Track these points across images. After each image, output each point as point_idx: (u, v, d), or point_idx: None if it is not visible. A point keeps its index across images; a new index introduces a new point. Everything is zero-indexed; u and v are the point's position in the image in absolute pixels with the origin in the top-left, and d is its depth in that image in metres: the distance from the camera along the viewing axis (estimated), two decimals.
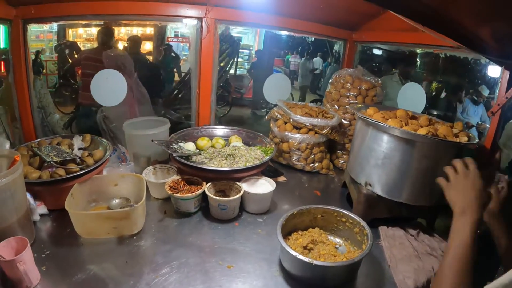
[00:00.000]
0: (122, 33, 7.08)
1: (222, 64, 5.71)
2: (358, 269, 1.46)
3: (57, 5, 2.21)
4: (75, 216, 1.52)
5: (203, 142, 2.23)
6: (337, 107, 2.56)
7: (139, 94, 3.33)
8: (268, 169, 2.30)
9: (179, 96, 4.48)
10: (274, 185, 1.90)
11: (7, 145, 1.75)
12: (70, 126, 4.21)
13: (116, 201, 1.78)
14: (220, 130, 2.50)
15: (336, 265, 1.37)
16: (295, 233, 1.64)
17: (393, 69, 4.66)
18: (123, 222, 1.53)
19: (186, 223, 1.74)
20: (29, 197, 1.57)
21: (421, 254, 1.64)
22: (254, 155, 2.07)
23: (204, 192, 1.78)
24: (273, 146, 2.24)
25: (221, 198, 1.71)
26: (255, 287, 1.38)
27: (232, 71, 7.72)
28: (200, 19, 2.44)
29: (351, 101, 2.49)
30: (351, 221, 1.63)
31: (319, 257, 1.48)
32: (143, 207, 1.61)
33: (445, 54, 3.01)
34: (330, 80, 2.68)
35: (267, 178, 1.96)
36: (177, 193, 1.74)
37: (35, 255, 1.34)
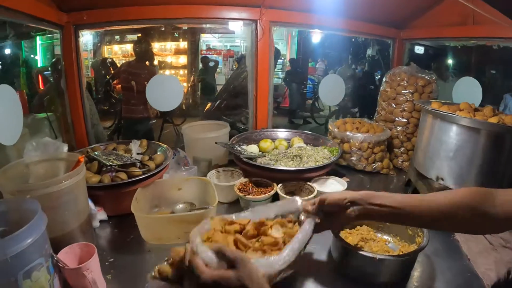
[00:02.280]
0: (156, 49, 7.21)
1: None
2: (414, 263, 1.40)
3: (109, 10, 2.19)
4: (143, 220, 1.45)
5: (266, 144, 2.17)
6: (394, 105, 2.50)
7: None
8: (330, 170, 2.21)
9: (222, 105, 4.48)
10: (345, 184, 1.84)
11: (65, 148, 1.69)
12: (114, 136, 4.24)
13: (180, 206, 1.69)
14: (280, 133, 2.45)
15: (399, 259, 1.31)
16: (343, 231, 1.58)
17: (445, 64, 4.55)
18: (195, 225, 1.43)
19: None
20: (89, 202, 1.50)
21: (496, 247, 1.60)
22: (322, 155, 2.00)
23: (274, 194, 1.69)
24: (337, 146, 2.16)
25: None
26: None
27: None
28: (254, 21, 2.40)
29: (408, 98, 2.42)
30: None
31: None
32: (215, 209, 1.52)
33: (498, 45, 2.90)
34: (385, 79, 2.62)
35: (337, 178, 1.90)
36: (248, 195, 1.67)
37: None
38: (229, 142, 2.15)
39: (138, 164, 1.74)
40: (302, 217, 1.21)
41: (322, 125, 7.47)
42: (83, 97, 2.28)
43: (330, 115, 6.71)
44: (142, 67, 3.79)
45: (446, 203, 1.08)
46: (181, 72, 7.35)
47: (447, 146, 1.72)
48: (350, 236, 1.54)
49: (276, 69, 10.22)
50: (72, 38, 2.17)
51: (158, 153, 1.88)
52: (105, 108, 4.99)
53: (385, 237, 1.59)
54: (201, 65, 6.93)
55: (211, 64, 6.76)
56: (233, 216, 1.28)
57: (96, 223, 1.57)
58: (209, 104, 4.92)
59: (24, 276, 0.95)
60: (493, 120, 1.68)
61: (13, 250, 0.90)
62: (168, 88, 2.35)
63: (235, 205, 1.80)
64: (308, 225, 1.18)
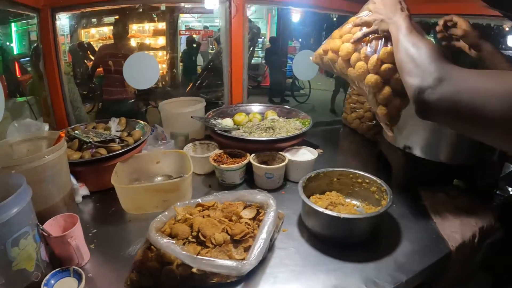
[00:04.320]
0: (134, 30, 7.15)
1: None
2: (381, 223, 1.49)
3: None
4: (122, 191, 1.52)
5: (241, 117, 2.23)
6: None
7: None
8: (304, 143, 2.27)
9: (203, 84, 4.51)
10: (316, 153, 1.89)
11: (46, 128, 1.75)
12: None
13: (159, 179, 1.77)
14: (254, 107, 2.50)
15: (364, 216, 1.38)
16: (312, 196, 1.64)
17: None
18: (172, 194, 1.51)
19: None
20: (71, 178, 1.56)
21: (463, 211, 1.65)
22: (294, 126, 2.06)
23: (247, 164, 1.77)
24: (309, 118, 2.22)
25: (268, 167, 1.71)
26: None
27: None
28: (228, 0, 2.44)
29: None
30: (367, 181, 1.64)
31: None
32: (191, 178, 1.60)
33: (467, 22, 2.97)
34: None
35: (308, 148, 1.96)
36: (222, 165, 1.74)
37: None
38: (207, 115, 2.21)
39: (117, 140, 1.79)
40: None
41: (302, 103, 7.54)
42: (62, 79, 2.30)
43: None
44: (122, 48, 3.80)
45: None
46: (160, 53, 7.32)
47: (414, 116, 1.72)
48: (320, 201, 1.60)
49: (256, 48, 10.26)
50: (49, 21, 2.17)
51: (137, 129, 1.93)
52: (85, 92, 4.98)
53: (354, 201, 1.67)
54: (184, 46, 6.90)
55: (195, 45, 6.75)
56: (199, 200, 1.40)
57: (78, 198, 1.62)
58: (191, 84, 4.94)
59: (12, 244, 1.00)
60: None
61: (1, 219, 0.95)
62: (145, 66, 2.38)
63: (211, 176, 1.87)
64: (272, 213, 1.29)
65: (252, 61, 8.96)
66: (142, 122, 1.99)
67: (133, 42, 6.86)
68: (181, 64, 6.82)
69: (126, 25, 4.00)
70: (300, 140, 2.00)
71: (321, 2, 2.83)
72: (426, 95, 0.91)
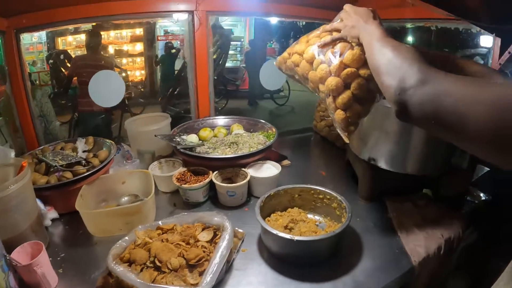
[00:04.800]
0: (112, 37, 7.12)
1: (214, 57, 5.71)
2: (341, 241, 1.48)
3: (47, 12, 2.20)
4: (86, 216, 1.54)
5: (205, 132, 2.26)
6: None
7: None
8: (272, 154, 2.29)
9: (175, 93, 4.52)
10: (279, 168, 1.92)
11: (12, 154, 1.76)
12: (73, 132, 4.23)
13: (125, 199, 1.80)
14: (220, 120, 2.52)
15: (317, 238, 1.38)
16: (274, 214, 1.67)
17: None
18: (134, 216, 1.54)
19: None
20: (39, 202, 1.58)
21: (429, 222, 1.66)
22: (257, 140, 2.09)
23: (211, 181, 1.80)
24: (274, 130, 2.25)
25: (229, 185, 1.74)
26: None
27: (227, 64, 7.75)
28: (191, 12, 2.45)
29: None
30: (328, 197, 1.65)
31: (300, 235, 1.49)
32: (153, 200, 1.64)
33: (436, 26, 3.04)
34: None
35: (272, 162, 1.98)
36: (185, 184, 1.76)
37: (51, 259, 1.35)
38: (171, 132, 2.22)
39: (83, 162, 1.82)
40: None
41: (282, 106, 7.56)
42: (29, 99, 2.31)
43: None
44: (97, 58, 3.81)
45: None
46: (138, 59, 7.27)
47: (377, 126, 1.73)
48: (281, 218, 1.61)
49: (234, 52, 10.24)
50: (13, 43, 2.19)
51: (104, 149, 1.95)
52: (63, 102, 4.96)
53: (317, 217, 1.70)
54: (163, 52, 6.87)
55: (173, 50, 6.71)
56: (160, 222, 1.43)
57: (47, 222, 1.64)
58: (160, 99, 4.94)
59: None
60: None
61: None
62: (110, 84, 2.40)
63: (177, 194, 1.89)
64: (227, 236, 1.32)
65: (231, 65, 8.96)
66: (109, 141, 2.01)
67: (110, 49, 6.83)
68: (157, 70, 6.78)
69: (99, 35, 3.98)
70: (264, 155, 2.01)
71: (284, 10, 2.86)
72: (408, 96, 0.86)
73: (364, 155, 1.84)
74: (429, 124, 0.84)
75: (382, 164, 1.75)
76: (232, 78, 8.38)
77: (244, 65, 8.84)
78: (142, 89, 6.62)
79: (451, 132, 0.80)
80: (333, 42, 1.36)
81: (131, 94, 5.60)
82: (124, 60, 7.35)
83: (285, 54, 1.61)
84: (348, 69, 1.30)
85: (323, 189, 1.66)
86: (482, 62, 5.04)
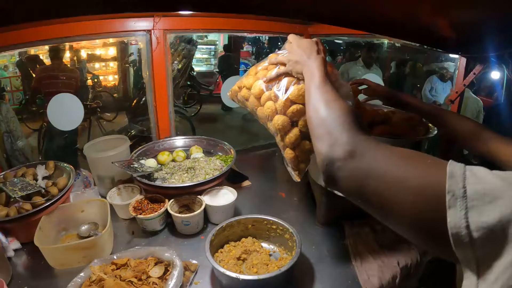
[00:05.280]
0: (84, 42, 7.08)
1: (179, 67, 5.68)
2: (291, 274, 1.49)
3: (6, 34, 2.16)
4: (45, 251, 1.57)
5: (164, 157, 2.27)
6: None
7: None
8: (232, 175, 2.34)
9: (141, 103, 4.53)
10: (236, 194, 1.94)
11: None
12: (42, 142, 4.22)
13: (84, 227, 1.82)
14: (180, 141, 2.54)
15: (261, 278, 1.36)
16: (227, 244, 1.68)
17: (357, 55, 4.83)
18: (91, 250, 1.58)
19: (153, 242, 1.79)
20: (0, 235, 1.62)
21: (386, 249, 1.69)
22: (213, 166, 2.11)
23: (166, 211, 1.84)
24: (233, 152, 2.29)
25: (183, 215, 1.78)
26: None
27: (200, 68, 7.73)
28: (148, 31, 2.45)
29: None
30: (281, 227, 1.67)
31: (252, 267, 1.53)
32: (109, 232, 1.68)
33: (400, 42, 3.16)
34: None
35: (229, 188, 2.00)
36: (141, 213, 1.80)
37: None
38: (130, 157, 2.23)
39: (43, 191, 1.83)
40: None
41: None
42: None
43: None
44: (60, 69, 3.81)
45: None
46: (111, 64, 7.19)
47: None
48: (234, 249, 1.63)
49: (208, 56, 10.23)
50: None
51: (64, 175, 1.97)
52: (34, 109, 4.95)
53: (271, 246, 1.72)
54: (136, 56, 6.82)
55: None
56: (114, 256, 1.47)
57: (10, 253, 1.67)
58: (136, 99, 4.94)
59: None
60: (379, 129, 1.84)
61: None
62: (68, 107, 2.41)
63: (136, 221, 1.89)
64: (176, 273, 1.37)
65: (205, 69, 8.99)
66: (69, 167, 2.02)
67: (83, 53, 6.80)
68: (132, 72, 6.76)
69: (59, 50, 3.97)
70: (220, 180, 2.03)
71: (250, 25, 2.86)
72: (336, 168, 0.84)
73: (321, 181, 1.81)
74: (356, 200, 0.84)
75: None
76: (205, 83, 8.38)
77: (217, 70, 8.84)
78: (115, 95, 6.59)
79: (376, 212, 0.80)
80: (278, 77, 1.36)
81: (100, 103, 5.57)
82: (97, 65, 7.31)
83: (235, 87, 1.62)
84: (294, 106, 1.31)
85: (276, 220, 1.68)
86: (454, 67, 5.15)
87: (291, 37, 1.35)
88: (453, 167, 0.65)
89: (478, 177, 0.62)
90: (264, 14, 2.43)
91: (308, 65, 1.17)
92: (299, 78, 1.30)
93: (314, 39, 1.30)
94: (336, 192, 1.65)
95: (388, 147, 0.81)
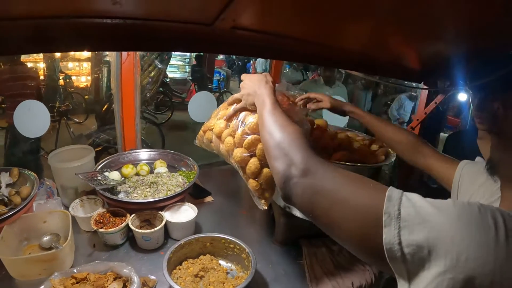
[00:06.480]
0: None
1: (152, 75, 5.66)
2: None
3: None
4: (5, 261, 1.61)
5: (128, 170, 2.31)
6: None
7: None
8: (196, 189, 2.42)
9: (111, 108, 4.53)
10: (196, 211, 2.00)
11: None
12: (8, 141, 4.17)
13: (46, 238, 1.84)
14: (145, 154, 2.58)
15: None
16: (186, 261, 1.73)
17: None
18: (52, 263, 1.62)
19: (114, 256, 1.83)
20: None
21: (341, 270, 1.75)
22: (176, 182, 2.17)
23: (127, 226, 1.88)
24: (196, 168, 2.35)
25: (143, 231, 1.82)
26: None
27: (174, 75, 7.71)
28: None
29: None
30: (238, 247, 1.73)
31: (209, 285, 1.59)
32: (70, 245, 1.71)
33: None
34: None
35: (190, 204, 2.06)
36: (102, 227, 1.84)
37: None
38: (94, 168, 2.25)
39: (6, 199, 1.85)
40: None
41: None
42: None
43: None
44: (18, 70, 3.79)
45: None
46: (85, 64, 7.10)
47: None
48: (192, 266, 1.68)
49: (183, 63, 10.24)
50: None
51: (27, 184, 1.99)
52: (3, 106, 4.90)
53: (228, 264, 1.78)
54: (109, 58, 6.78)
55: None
56: (75, 270, 1.51)
57: None
58: (106, 105, 4.91)
59: None
60: (338, 156, 1.96)
61: None
62: (35, 114, 2.42)
63: (97, 234, 1.90)
64: None
65: (179, 76, 8.97)
66: (33, 175, 2.03)
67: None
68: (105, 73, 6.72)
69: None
70: (181, 197, 2.09)
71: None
72: (292, 185, 0.93)
73: (279, 201, 1.88)
74: (308, 215, 0.92)
75: (297, 212, 1.80)
76: (178, 90, 8.36)
77: (191, 77, 8.84)
78: (86, 96, 6.54)
79: (324, 227, 0.88)
80: (235, 113, 1.48)
81: (70, 106, 5.53)
82: (71, 64, 7.22)
83: (201, 132, 1.71)
84: (250, 138, 1.41)
85: (233, 239, 1.74)
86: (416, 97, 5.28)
87: (243, 76, 1.47)
88: (392, 192, 0.75)
89: (413, 202, 0.72)
90: None
91: (259, 94, 1.29)
92: (253, 110, 1.42)
93: (264, 73, 1.42)
94: (294, 212, 1.77)
95: (337, 169, 0.90)
